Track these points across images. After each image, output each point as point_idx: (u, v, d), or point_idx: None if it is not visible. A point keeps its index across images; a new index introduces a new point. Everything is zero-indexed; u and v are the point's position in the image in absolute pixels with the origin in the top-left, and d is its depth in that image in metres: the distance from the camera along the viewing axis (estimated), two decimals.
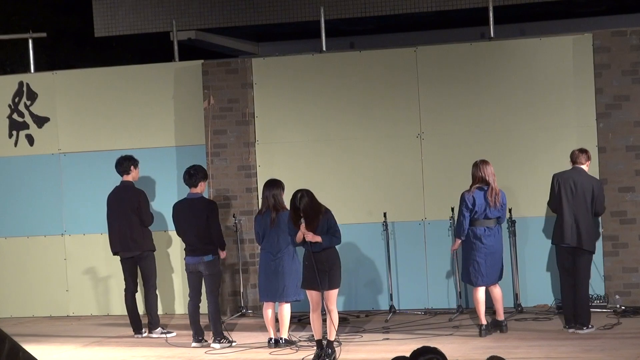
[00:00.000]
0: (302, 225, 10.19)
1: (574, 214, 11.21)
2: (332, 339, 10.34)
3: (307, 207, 10.16)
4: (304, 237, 10.19)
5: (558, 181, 11.32)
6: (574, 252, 11.29)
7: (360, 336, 11.56)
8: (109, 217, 12.45)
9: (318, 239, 10.18)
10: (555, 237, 11.39)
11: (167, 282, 13.85)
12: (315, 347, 10.47)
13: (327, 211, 10.36)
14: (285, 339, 11.15)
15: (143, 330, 12.33)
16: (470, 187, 11.27)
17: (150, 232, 12.46)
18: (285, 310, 11.18)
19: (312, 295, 10.33)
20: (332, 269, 10.28)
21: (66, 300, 14.22)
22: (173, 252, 13.76)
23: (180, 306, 13.79)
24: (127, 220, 12.27)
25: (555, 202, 11.35)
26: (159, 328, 12.29)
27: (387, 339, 11.36)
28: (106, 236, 12.57)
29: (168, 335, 12.21)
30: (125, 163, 12.43)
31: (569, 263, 11.33)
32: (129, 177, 12.43)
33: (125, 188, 12.41)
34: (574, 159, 11.42)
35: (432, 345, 5.72)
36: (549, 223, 12.41)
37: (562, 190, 11.26)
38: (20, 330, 12.82)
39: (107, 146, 13.92)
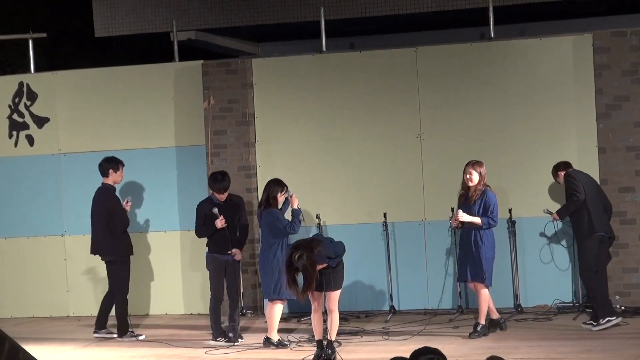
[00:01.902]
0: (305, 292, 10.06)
1: (602, 205, 11.40)
2: (333, 339, 10.34)
3: (305, 269, 9.87)
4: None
5: (578, 176, 11.39)
6: (604, 243, 11.41)
7: (360, 336, 11.56)
8: (91, 219, 12.37)
9: (325, 264, 10.15)
10: (597, 226, 11.22)
11: (167, 283, 13.84)
12: (315, 347, 10.48)
13: (320, 249, 10.02)
14: (278, 340, 11.12)
15: (106, 330, 12.35)
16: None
17: (128, 238, 12.21)
18: (276, 311, 11.16)
19: (314, 295, 10.33)
20: (335, 270, 10.28)
21: (66, 300, 14.22)
22: (172, 253, 13.76)
23: (180, 307, 13.79)
24: (101, 224, 12.13)
25: (583, 194, 11.32)
26: (128, 333, 12.22)
27: (387, 339, 11.36)
28: None
29: (139, 338, 12.16)
30: (104, 165, 12.24)
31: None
32: (108, 180, 12.24)
33: (100, 191, 12.26)
34: (565, 165, 11.64)
35: (432, 346, 5.71)
36: (549, 223, 12.39)
37: (586, 184, 11.35)
38: (20, 331, 12.80)
39: (107, 146, 13.90)
